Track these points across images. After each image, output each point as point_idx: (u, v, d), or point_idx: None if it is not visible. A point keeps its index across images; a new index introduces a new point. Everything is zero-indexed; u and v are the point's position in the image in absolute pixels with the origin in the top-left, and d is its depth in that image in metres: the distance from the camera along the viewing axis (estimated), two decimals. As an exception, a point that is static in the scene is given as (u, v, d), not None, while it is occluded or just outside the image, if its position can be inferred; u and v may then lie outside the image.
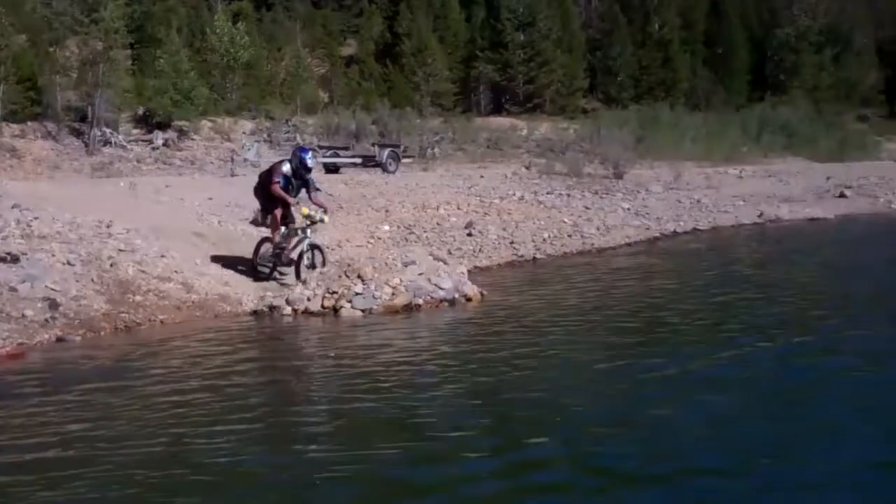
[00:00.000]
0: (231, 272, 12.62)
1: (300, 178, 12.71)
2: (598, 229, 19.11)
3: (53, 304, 10.18)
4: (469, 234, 17.29)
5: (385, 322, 10.64)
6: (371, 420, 6.95)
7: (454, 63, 48.65)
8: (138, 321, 10.46)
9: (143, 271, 11.53)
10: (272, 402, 7.43)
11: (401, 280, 11.31)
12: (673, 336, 9.80)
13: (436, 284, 11.48)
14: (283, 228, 12.74)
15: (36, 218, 12.57)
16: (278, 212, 12.69)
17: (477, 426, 6.67)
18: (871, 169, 35.52)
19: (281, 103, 39.43)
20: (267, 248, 12.88)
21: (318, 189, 13.51)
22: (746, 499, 5.32)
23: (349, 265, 11.56)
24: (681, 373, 7.94)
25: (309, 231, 12.44)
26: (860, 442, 6.10)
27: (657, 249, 18.10)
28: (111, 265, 11.42)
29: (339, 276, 11.38)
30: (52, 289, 10.45)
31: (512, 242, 17.02)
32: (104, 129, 30.60)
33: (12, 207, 13.05)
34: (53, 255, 11.26)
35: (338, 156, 30.17)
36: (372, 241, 16.08)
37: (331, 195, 15.59)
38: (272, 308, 11.25)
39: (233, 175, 25.20)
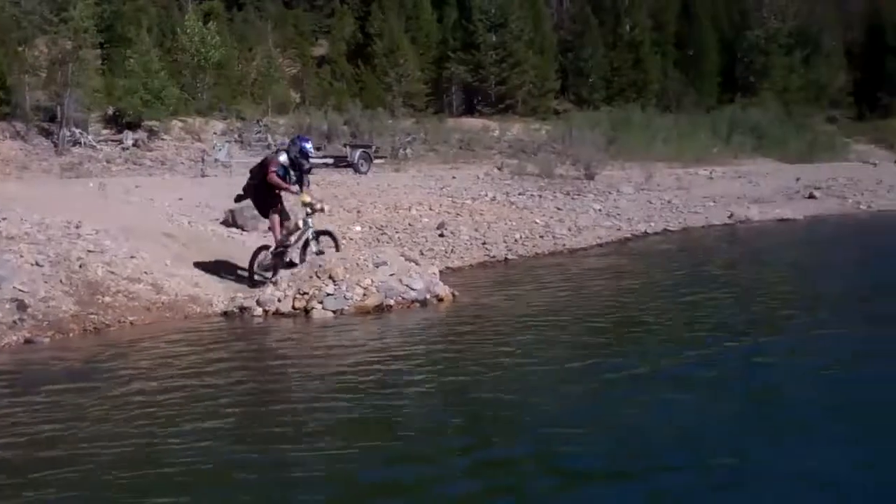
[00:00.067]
0: (201, 273, 12.55)
1: (298, 169, 12.39)
2: (569, 230, 19.18)
3: (21, 306, 10.10)
4: (441, 235, 17.30)
5: (356, 323, 10.63)
6: (342, 420, 6.95)
7: (426, 64, 48.61)
8: (107, 322, 10.40)
9: (112, 272, 11.45)
10: (242, 402, 7.40)
11: (372, 281, 11.29)
12: (642, 336, 9.86)
13: (407, 285, 11.47)
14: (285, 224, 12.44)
15: (4, 219, 12.48)
16: (275, 211, 12.40)
17: (448, 426, 6.70)
18: (840, 170, 35.90)
19: (252, 103, 39.20)
20: (265, 255, 12.59)
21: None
22: (710, 496, 5.37)
23: (320, 266, 11.53)
24: (649, 372, 8.00)
25: (310, 220, 12.32)
26: (826, 440, 6.17)
27: (628, 250, 18.19)
28: (80, 266, 11.33)
29: (310, 277, 11.36)
30: (20, 290, 10.36)
31: (484, 243, 17.05)
32: (73, 129, 30.32)
33: (-20, 208, 12.96)
34: (21, 256, 11.15)
35: (309, 156, 30.04)
36: (343, 241, 16.05)
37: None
38: (243, 309, 11.21)
39: (203, 175, 25.13)
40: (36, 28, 31.86)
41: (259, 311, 11.08)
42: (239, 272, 12.94)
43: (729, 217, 23.41)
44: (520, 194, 23.77)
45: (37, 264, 11.07)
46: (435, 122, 41.02)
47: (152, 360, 8.93)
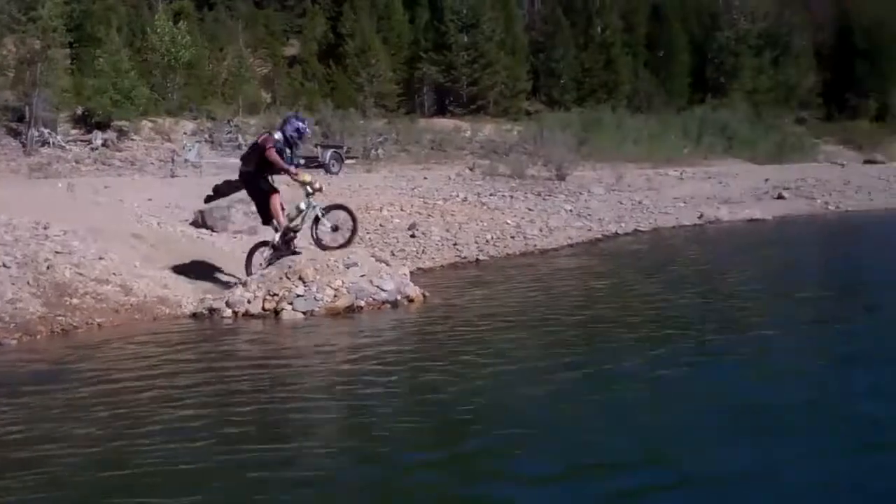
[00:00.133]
0: (170, 274, 12.48)
1: (293, 149, 12.05)
2: (540, 230, 19.24)
3: (-12, 308, 10.03)
4: (412, 236, 17.32)
5: (326, 324, 10.62)
6: (310, 421, 6.95)
7: (398, 64, 48.66)
8: (75, 324, 10.32)
9: (80, 274, 11.37)
10: (210, 403, 7.37)
11: (343, 282, 11.27)
12: (610, 336, 9.85)
13: (378, 286, 11.45)
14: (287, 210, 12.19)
15: (-30, 220, 12.38)
16: (276, 197, 12.09)
17: (415, 426, 6.70)
18: (809, 171, 36.23)
19: (223, 103, 39.11)
20: (263, 252, 12.34)
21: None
22: (664, 495, 5.41)
23: (290, 267, 11.49)
24: (614, 372, 8.04)
25: (312, 199, 12.15)
26: (784, 439, 6.20)
27: (598, 251, 18.27)
28: (48, 267, 11.25)
29: (280, 278, 11.32)
30: (-14, 292, 10.29)
31: (455, 244, 17.08)
32: (42, 129, 30.14)
33: (-54, 209, 12.85)
34: (-12, 258, 11.08)
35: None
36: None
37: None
38: (212, 311, 11.15)
39: (173, 176, 25.05)
40: (4, 27, 31.68)
41: (228, 312, 11.03)
42: (216, 274, 12.88)
43: (699, 217, 23.57)
44: (491, 195, 23.82)
45: (4, 266, 10.98)
46: (406, 122, 41.03)
47: (120, 362, 8.88)
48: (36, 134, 29.71)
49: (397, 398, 7.50)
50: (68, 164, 28.71)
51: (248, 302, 11.08)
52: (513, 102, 49.36)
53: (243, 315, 10.94)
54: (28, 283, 10.80)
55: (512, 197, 23.88)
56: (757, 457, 5.84)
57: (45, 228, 12.61)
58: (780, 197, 28.24)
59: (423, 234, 17.43)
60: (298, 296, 10.98)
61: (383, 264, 12.21)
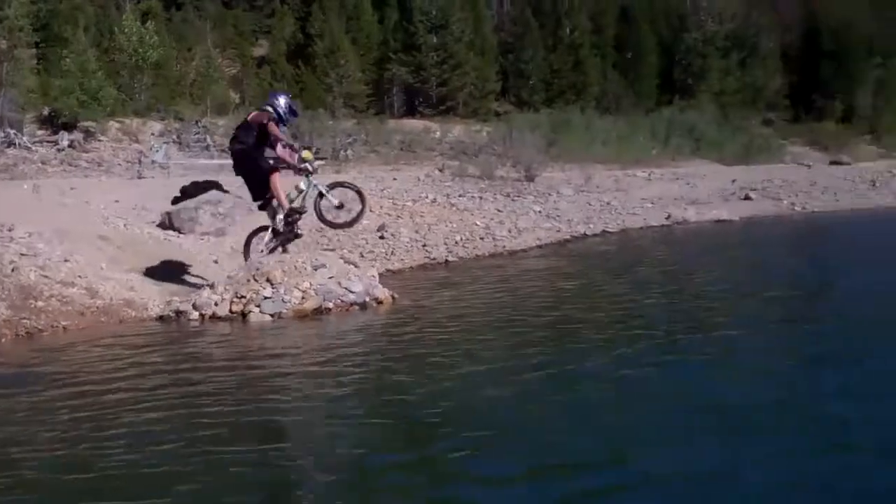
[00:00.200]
0: (137, 276, 12.42)
1: (284, 125, 11.95)
2: (509, 232, 19.29)
3: (-49, 311, 9.94)
4: (381, 237, 17.32)
5: (294, 326, 10.60)
6: (279, 423, 6.96)
7: (367, 65, 48.55)
8: (40, 327, 10.25)
9: (45, 276, 11.29)
10: (176, 405, 7.34)
11: (311, 284, 11.25)
12: (577, 336, 9.89)
13: (346, 288, 11.45)
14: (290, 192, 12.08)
15: (-67, 222, 12.27)
16: (277, 176, 11.93)
17: (385, 427, 6.72)
18: (776, 172, 36.51)
19: (191, 104, 38.81)
20: (263, 237, 12.22)
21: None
22: (624, 495, 5.45)
23: (258, 269, 11.46)
24: (579, 372, 8.07)
25: (312, 178, 12.11)
26: (748, 437, 6.26)
27: (567, 251, 18.34)
28: (12, 270, 11.16)
29: (248, 280, 11.28)
30: (-50, 294, 10.21)
31: (424, 245, 17.09)
32: (8, 129, 29.80)
33: None
34: (-48, 261, 10.99)
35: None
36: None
37: (240, 197, 15.42)
38: (179, 313, 11.10)
39: (140, 177, 24.87)
40: (-31, 27, 31.33)
41: (195, 314, 10.98)
42: (183, 276, 12.83)
43: (666, 218, 23.71)
44: (460, 196, 23.85)
45: (-33, 268, 10.90)
46: (376, 123, 40.91)
47: (86, 365, 8.82)
48: (1, 135, 29.39)
49: (365, 400, 7.50)
50: (34, 166, 28.39)
51: (216, 304, 11.03)
52: (482, 103, 49.37)
53: (210, 317, 10.90)
54: (-8, 285, 10.72)
55: (481, 198, 23.91)
56: (723, 457, 5.90)
57: (10, 230, 12.52)
58: (746, 198, 28.45)
59: (392, 235, 17.43)
60: (266, 298, 10.94)
61: (352, 266, 12.22)
